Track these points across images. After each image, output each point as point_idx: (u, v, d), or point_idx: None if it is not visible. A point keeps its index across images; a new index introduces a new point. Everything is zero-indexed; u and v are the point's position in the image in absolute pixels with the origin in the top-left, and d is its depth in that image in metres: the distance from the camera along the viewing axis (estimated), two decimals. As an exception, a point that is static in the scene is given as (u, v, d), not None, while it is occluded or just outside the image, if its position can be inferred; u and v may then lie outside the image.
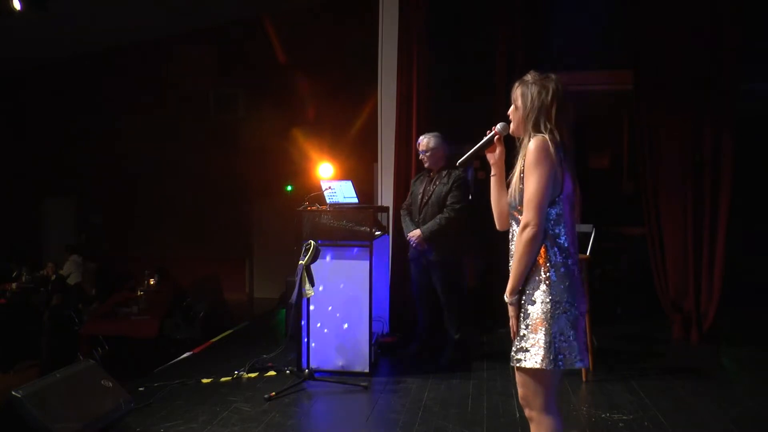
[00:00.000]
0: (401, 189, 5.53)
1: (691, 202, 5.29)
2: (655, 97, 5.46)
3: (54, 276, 9.41)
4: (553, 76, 2.20)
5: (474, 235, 5.13)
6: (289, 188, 10.22)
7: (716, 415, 3.63)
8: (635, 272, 6.74)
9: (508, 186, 2.26)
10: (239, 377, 4.41)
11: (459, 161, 2.41)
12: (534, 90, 2.16)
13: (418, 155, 5.02)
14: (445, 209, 4.56)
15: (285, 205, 7.90)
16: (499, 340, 5.47)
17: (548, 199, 2.10)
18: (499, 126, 2.31)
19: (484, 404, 3.84)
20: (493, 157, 2.34)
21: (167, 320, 7.19)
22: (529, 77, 2.21)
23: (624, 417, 3.57)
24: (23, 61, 10.79)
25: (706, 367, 4.64)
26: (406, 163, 5.57)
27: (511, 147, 2.28)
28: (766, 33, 5.71)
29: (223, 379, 4.38)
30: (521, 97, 2.19)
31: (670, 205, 5.39)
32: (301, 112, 10.19)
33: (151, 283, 8.08)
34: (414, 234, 4.65)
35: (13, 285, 8.74)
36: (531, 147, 2.10)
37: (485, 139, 2.33)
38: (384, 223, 5.44)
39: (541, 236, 2.09)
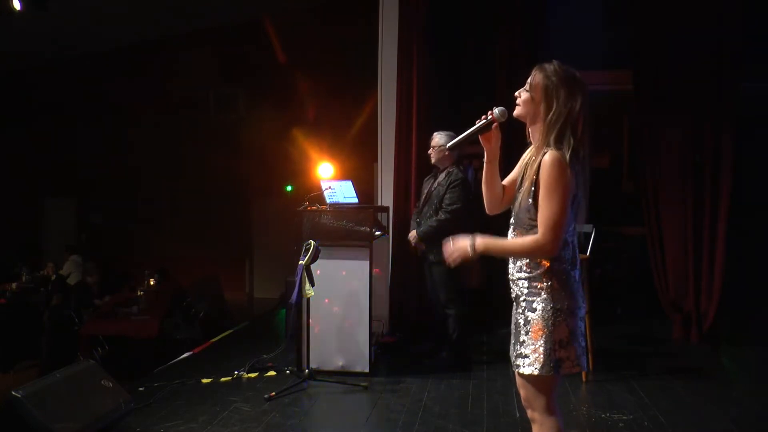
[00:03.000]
0: (401, 189, 5.54)
1: (691, 202, 5.30)
2: (655, 97, 5.46)
3: (54, 276, 9.40)
4: (579, 77, 2.03)
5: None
6: (289, 188, 10.22)
7: (716, 415, 3.63)
8: (635, 272, 6.73)
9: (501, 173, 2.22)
10: (239, 377, 4.41)
11: (449, 144, 2.31)
12: (561, 93, 2.00)
13: (419, 155, 5.01)
14: (440, 211, 4.53)
15: (285, 205, 7.90)
16: (499, 340, 5.46)
17: (568, 220, 2.00)
18: (497, 111, 2.13)
19: (484, 404, 3.84)
20: (489, 143, 2.19)
21: (167, 320, 7.18)
22: (552, 71, 2.03)
23: (624, 417, 3.57)
24: (24, 61, 10.79)
25: (706, 367, 4.65)
26: (406, 163, 5.57)
27: (512, 135, 2.19)
28: (766, 33, 5.70)
29: (223, 379, 4.38)
30: (544, 94, 2.02)
31: (670, 205, 5.39)
32: (301, 112, 10.20)
33: (151, 283, 8.08)
34: (411, 235, 4.67)
35: (13, 285, 8.74)
36: (547, 164, 1.97)
37: (480, 124, 2.16)
38: (384, 223, 5.44)
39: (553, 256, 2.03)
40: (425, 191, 4.76)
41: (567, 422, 3.41)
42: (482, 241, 2.08)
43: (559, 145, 2.00)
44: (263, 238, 10.99)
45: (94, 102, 11.01)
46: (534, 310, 2.06)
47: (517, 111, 2.13)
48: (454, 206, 4.48)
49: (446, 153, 4.60)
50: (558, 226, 1.98)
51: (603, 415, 3.60)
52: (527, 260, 2.09)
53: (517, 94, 2.14)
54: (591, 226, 4.59)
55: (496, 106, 2.16)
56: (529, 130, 2.15)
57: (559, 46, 5.96)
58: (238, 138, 10.46)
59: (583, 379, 4.20)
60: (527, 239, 2.05)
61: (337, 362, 4.45)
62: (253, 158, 10.32)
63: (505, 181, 2.29)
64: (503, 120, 2.16)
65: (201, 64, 10.49)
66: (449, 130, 4.73)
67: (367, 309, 4.44)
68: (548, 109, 2.03)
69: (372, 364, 4.48)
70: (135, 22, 9.55)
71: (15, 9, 7.06)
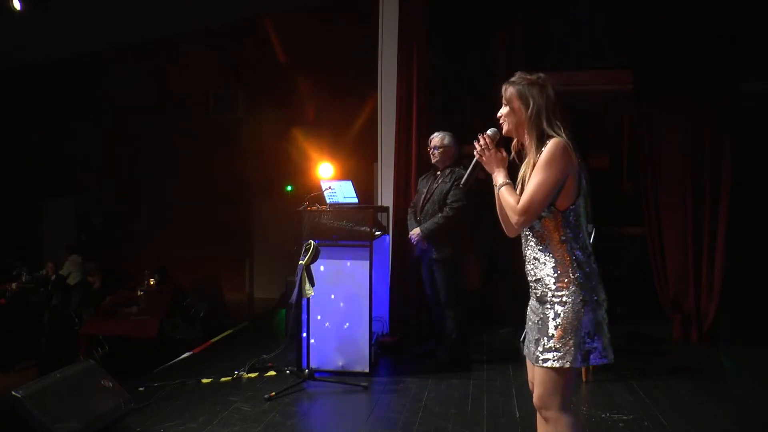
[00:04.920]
0: (401, 189, 5.53)
1: (691, 202, 5.30)
2: (655, 97, 5.47)
3: (54, 276, 9.41)
4: (543, 75, 2.18)
5: (477, 236, 5.11)
6: (289, 188, 10.22)
7: (716, 415, 3.63)
8: (635, 272, 6.73)
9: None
10: (239, 377, 4.41)
11: (462, 182, 2.41)
12: (534, 91, 2.14)
13: (419, 155, 4.99)
14: (444, 208, 4.56)
15: (285, 205, 7.90)
16: (499, 340, 5.48)
17: (549, 201, 2.10)
18: (489, 132, 2.27)
19: (484, 404, 3.84)
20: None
21: (167, 320, 7.19)
22: (519, 78, 2.18)
23: (624, 417, 3.57)
24: (24, 60, 10.79)
25: (706, 367, 4.65)
26: (406, 163, 5.56)
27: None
28: (766, 33, 5.71)
29: (223, 379, 4.38)
30: (519, 98, 2.16)
31: (670, 205, 5.39)
32: (301, 112, 10.19)
33: (151, 283, 8.09)
34: (414, 232, 4.67)
35: (13, 285, 8.74)
36: (550, 145, 2.08)
37: (477, 158, 2.29)
38: (384, 223, 5.44)
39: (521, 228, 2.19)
40: (424, 190, 4.78)
41: (567, 422, 3.42)
42: (504, 178, 2.22)
43: (552, 131, 2.11)
44: (263, 238, 10.99)
45: (94, 102, 11.01)
46: (564, 304, 2.11)
47: (506, 127, 2.25)
48: (460, 203, 4.52)
49: (450, 154, 4.65)
50: (534, 206, 2.10)
51: (603, 415, 3.60)
52: (550, 254, 2.16)
53: (498, 115, 2.26)
54: (591, 226, 4.59)
55: (489, 129, 2.27)
56: (521, 141, 2.23)
57: (559, 46, 5.97)
58: (238, 138, 10.46)
59: (583, 379, 4.21)
60: (513, 201, 2.15)
61: (337, 362, 4.45)
62: (253, 158, 10.32)
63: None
64: (497, 139, 2.27)
65: (201, 64, 10.49)
66: (450, 130, 4.75)
67: (367, 309, 4.44)
68: (527, 107, 2.16)
69: (372, 364, 4.48)
70: (134, 22, 9.55)
71: (15, 9, 7.07)
